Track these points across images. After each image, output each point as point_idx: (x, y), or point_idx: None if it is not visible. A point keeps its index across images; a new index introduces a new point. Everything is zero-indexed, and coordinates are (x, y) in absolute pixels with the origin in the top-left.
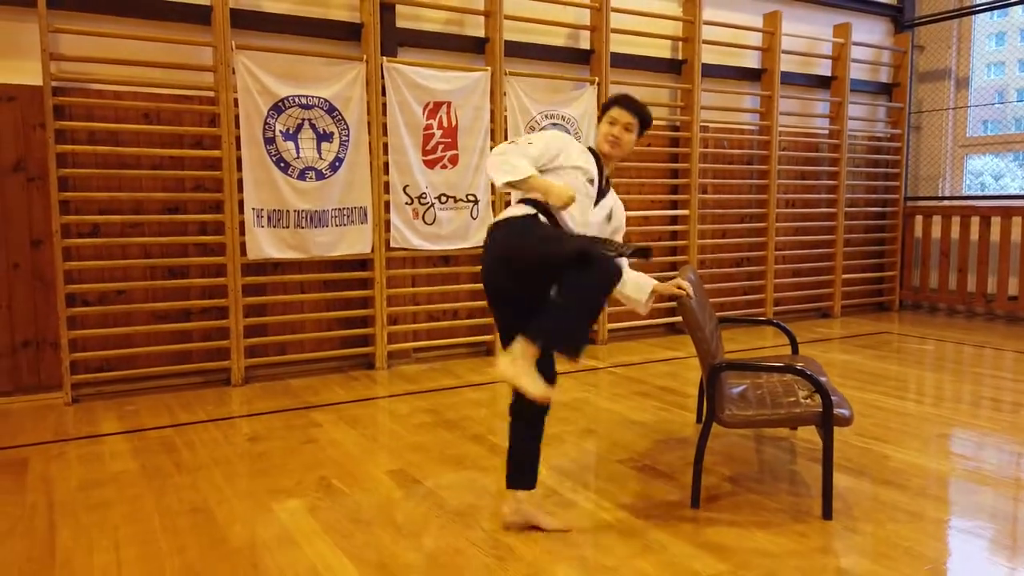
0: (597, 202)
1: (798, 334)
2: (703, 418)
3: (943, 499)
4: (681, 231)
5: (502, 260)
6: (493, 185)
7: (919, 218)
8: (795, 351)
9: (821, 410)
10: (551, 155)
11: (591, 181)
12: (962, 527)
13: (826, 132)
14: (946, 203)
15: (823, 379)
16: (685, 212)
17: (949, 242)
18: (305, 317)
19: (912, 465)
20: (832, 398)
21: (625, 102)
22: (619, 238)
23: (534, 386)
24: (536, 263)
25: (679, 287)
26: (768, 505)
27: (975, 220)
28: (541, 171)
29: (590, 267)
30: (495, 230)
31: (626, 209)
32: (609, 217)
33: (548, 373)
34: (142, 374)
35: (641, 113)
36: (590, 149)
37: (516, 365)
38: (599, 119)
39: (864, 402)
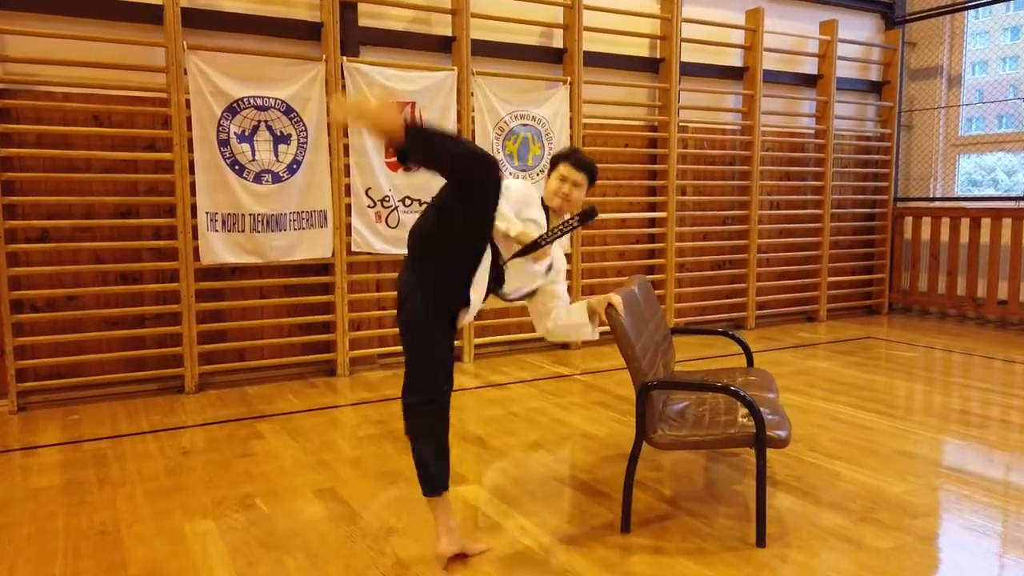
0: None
1: (781, 338)
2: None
3: (887, 525)
4: (659, 233)
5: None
6: None
7: (909, 219)
8: (750, 363)
9: (755, 431)
10: (519, 207)
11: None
12: (899, 558)
13: (812, 131)
14: (936, 204)
15: (772, 395)
16: (663, 214)
17: (939, 244)
18: (265, 323)
19: (863, 485)
20: (768, 418)
21: (574, 159)
22: (560, 278)
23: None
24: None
25: (610, 303)
26: (701, 530)
27: (965, 222)
28: None
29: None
30: (404, 296)
31: (603, 211)
32: (548, 269)
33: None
34: (93, 381)
35: (590, 169)
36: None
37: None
38: (548, 173)
39: (827, 413)
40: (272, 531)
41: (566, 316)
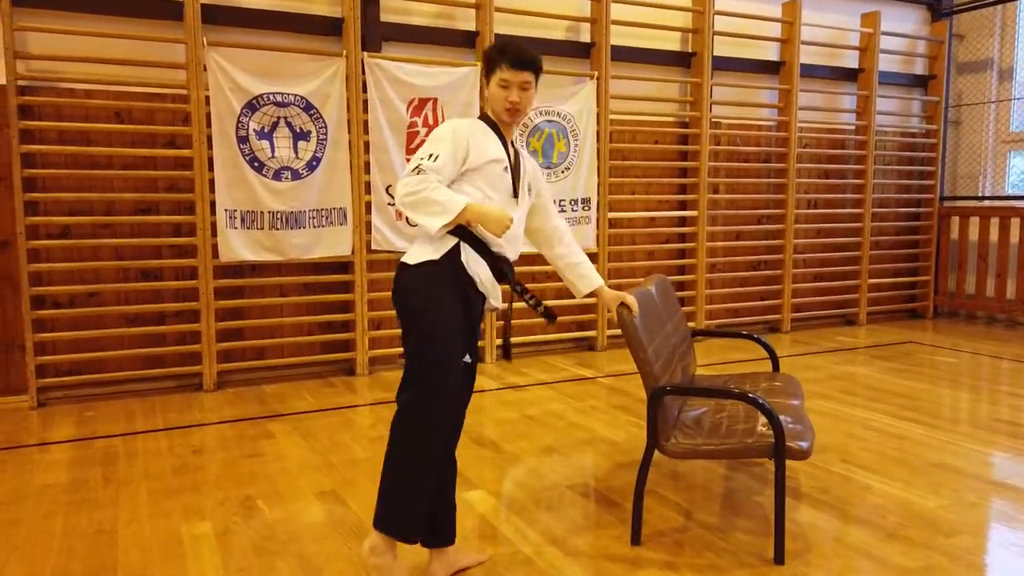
0: (517, 191)
1: (816, 342)
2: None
3: (917, 543)
4: (690, 233)
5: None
6: None
7: (956, 219)
8: (776, 368)
9: (773, 441)
10: (461, 157)
11: (506, 168)
12: None
13: (852, 128)
14: (986, 203)
15: (796, 402)
16: (694, 213)
17: (987, 245)
18: (284, 321)
19: (894, 499)
20: (789, 427)
21: (514, 58)
22: (544, 202)
23: None
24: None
25: (625, 303)
26: (716, 544)
27: (1015, 222)
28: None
29: (410, 418)
30: (397, 280)
31: (632, 210)
32: (529, 190)
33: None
34: (113, 378)
35: (533, 63)
36: (484, 117)
37: (374, 558)
38: (486, 77)
39: (861, 422)
40: (269, 535)
41: (576, 271)
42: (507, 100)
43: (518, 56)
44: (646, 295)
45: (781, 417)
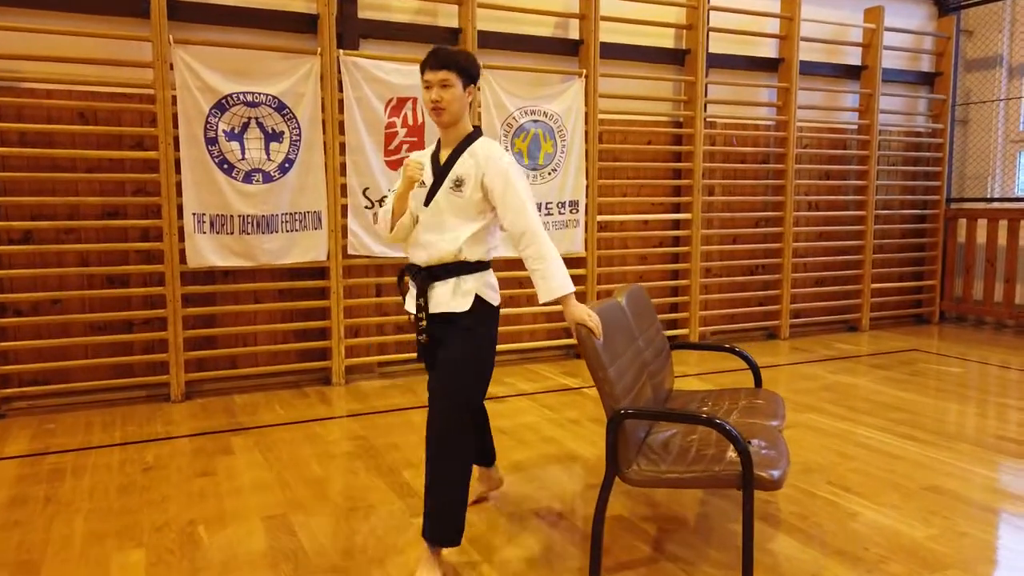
0: (434, 191)
1: (815, 349)
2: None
3: None
4: (684, 236)
5: None
6: None
7: (963, 221)
8: (758, 384)
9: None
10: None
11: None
12: None
13: (855, 127)
14: (994, 205)
15: (775, 423)
16: (688, 216)
17: (996, 248)
18: (258, 328)
19: (880, 528)
20: (762, 454)
21: (430, 59)
22: (496, 198)
23: None
24: None
25: (587, 321)
26: None
27: None
28: None
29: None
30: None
31: (623, 212)
32: (458, 184)
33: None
34: (78, 388)
35: (451, 62)
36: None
37: None
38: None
39: (852, 438)
40: (204, 566)
41: (534, 278)
42: (429, 100)
43: (435, 54)
44: (615, 308)
45: (754, 442)
